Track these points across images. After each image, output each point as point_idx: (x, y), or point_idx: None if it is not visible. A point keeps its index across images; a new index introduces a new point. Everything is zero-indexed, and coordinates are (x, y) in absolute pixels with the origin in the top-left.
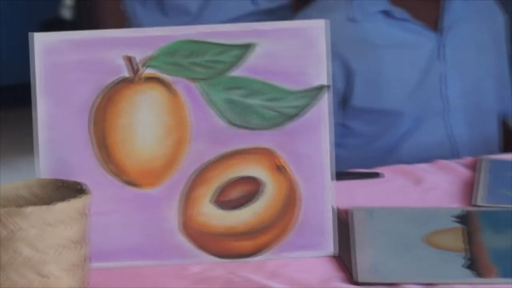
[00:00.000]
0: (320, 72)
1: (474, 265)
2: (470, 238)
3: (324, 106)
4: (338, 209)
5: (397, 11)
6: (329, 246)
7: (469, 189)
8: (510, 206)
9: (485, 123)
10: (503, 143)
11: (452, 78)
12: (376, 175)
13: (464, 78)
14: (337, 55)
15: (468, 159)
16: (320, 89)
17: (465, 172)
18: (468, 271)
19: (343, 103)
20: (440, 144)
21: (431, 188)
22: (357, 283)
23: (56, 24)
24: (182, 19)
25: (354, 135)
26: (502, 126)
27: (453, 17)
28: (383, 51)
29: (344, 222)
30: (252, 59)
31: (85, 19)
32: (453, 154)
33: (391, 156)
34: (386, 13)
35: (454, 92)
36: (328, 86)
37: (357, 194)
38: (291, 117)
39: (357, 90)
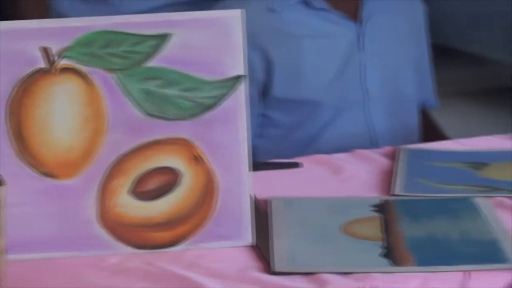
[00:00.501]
0: (236, 62)
1: (391, 254)
2: (387, 227)
3: (241, 96)
4: (257, 199)
5: (317, 1)
6: (247, 236)
7: (387, 179)
8: (427, 195)
9: (405, 113)
10: (422, 132)
11: (371, 68)
12: (295, 165)
13: (383, 68)
14: (256, 45)
15: (387, 149)
16: (236, 79)
17: (384, 162)
18: (384, 260)
19: (263, 93)
20: (360, 134)
21: (350, 177)
22: (274, 273)
23: None
24: (102, 8)
25: (274, 125)
26: (422, 116)
27: (372, 7)
28: (303, 42)
29: (263, 212)
30: (168, 49)
31: (5, 8)
32: (373, 143)
33: (311, 146)
34: (305, 3)
35: (374, 82)
36: (244, 76)
37: (276, 184)
38: (208, 107)
39: (276, 81)
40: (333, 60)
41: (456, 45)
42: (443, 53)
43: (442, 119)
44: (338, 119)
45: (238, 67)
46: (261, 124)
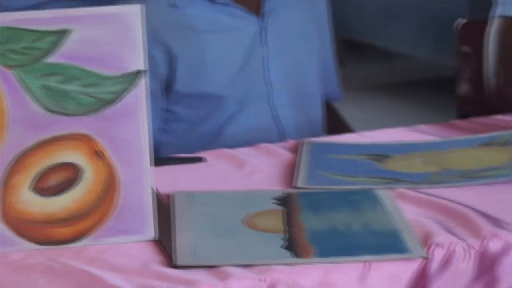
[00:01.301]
0: (136, 57)
1: (292, 246)
2: (289, 219)
3: (141, 91)
4: (160, 194)
5: None
6: (149, 230)
7: (290, 172)
8: (329, 187)
9: (309, 106)
10: (328, 126)
11: (274, 61)
12: (199, 159)
13: (287, 62)
14: (159, 41)
15: (291, 142)
16: (136, 74)
17: (287, 155)
18: (286, 252)
19: (167, 88)
20: (266, 127)
21: (253, 171)
22: (176, 266)
23: None
24: None
25: (178, 120)
26: (327, 109)
27: (275, 2)
28: (206, 36)
29: (165, 207)
30: (67, 45)
31: None
32: (280, 137)
33: (216, 140)
34: None
35: (277, 76)
36: (144, 71)
37: (180, 179)
38: (108, 103)
39: (179, 76)
40: (236, 54)
41: (364, 40)
42: (351, 48)
43: (348, 113)
44: (242, 113)
45: (138, 62)
46: (165, 119)
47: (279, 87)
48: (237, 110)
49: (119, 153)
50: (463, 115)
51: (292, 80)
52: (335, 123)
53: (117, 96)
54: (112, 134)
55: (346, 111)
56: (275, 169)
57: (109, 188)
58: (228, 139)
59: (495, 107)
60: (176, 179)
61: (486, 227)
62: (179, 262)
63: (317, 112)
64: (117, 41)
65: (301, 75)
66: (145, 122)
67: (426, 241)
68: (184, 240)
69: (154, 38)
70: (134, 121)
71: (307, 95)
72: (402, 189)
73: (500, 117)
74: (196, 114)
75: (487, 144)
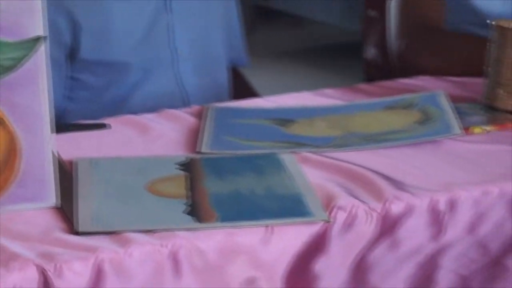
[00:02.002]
0: (36, 24)
1: (195, 211)
2: (192, 184)
3: (41, 57)
4: (62, 161)
5: None
6: (51, 197)
7: (195, 137)
8: (233, 152)
9: (215, 72)
10: (234, 91)
11: (179, 28)
12: (102, 126)
13: (192, 28)
14: (63, 8)
15: (196, 108)
16: (36, 40)
17: (192, 121)
18: (188, 217)
19: (71, 56)
20: (171, 94)
21: (157, 137)
22: (77, 233)
23: None
24: None
25: (83, 87)
26: (233, 75)
27: None
28: (109, 3)
29: (68, 174)
30: None
31: None
32: (185, 103)
33: (122, 107)
34: None
35: (182, 43)
36: (44, 37)
37: (84, 146)
38: (8, 69)
39: (83, 43)
40: (141, 22)
41: (274, 6)
42: (262, 14)
43: (256, 79)
44: (147, 80)
45: (38, 29)
46: (70, 87)
47: (184, 54)
48: (142, 77)
49: (20, 120)
50: (369, 79)
51: (197, 47)
52: (242, 89)
53: (17, 63)
54: (13, 101)
55: (255, 77)
56: (179, 135)
57: (10, 155)
58: (133, 106)
59: (399, 71)
60: (80, 146)
61: (388, 189)
62: (81, 228)
63: (223, 78)
64: (17, 8)
65: (206, 42)
66: (46, 88)
67: (329, 204)
68: (86, 207)
69: (57, 5)
70: (35, 87)
71: (213, 61)
72: (306, 153)
73: (404, 80)
74: (101, 81)
75: (391, 107)
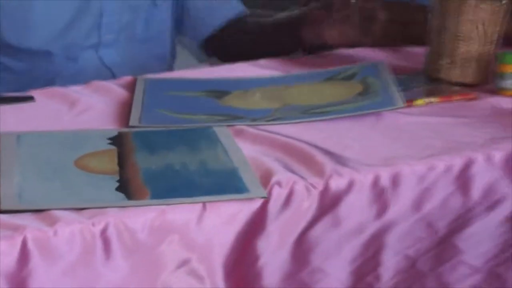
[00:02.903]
0: None
1: (125, 188)
2: (123, 160)
3: None
4: None
5: None
6: None
7: (125, 110)
8: (165, 126)
9: (149, 51)
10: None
11: (108, 13)
12: (28, 98)
13: (122, 12)
14: None
15: (127, 79)
16: None
17: (122, 93)
18: (119, 194)
19: None
20: (97, 71)
21: (86, 110)
22: (0, 211)
23: None
24: None
25: (5, 70)
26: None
27: None
28: None
29: None
30: None
31: None
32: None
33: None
34: None
35: (110, 27)
36: None
37: (7, 120)
38: None
39: (4, 27)
40: (66, 8)
41: None
42: None
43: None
44: (74, 65)
45: None
46: None
47: (111, 37)
48: (68, 64)
49: None
50: (309, 50)
51: (127, 29)
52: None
53: None
54: None
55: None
56: (109, 108)
57: None
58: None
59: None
60: (3, 120)
61: (328, 164)
62: (4, 206)
63: (161, 55)
64: None
65: (135, 24)
66: None
67: (266, 180)
68: (9, 184)
69: None
70: None
71: (146, 41)
72: (242, 126)
73: (344, 51)
74: (24, 66)
75: (330, 78)
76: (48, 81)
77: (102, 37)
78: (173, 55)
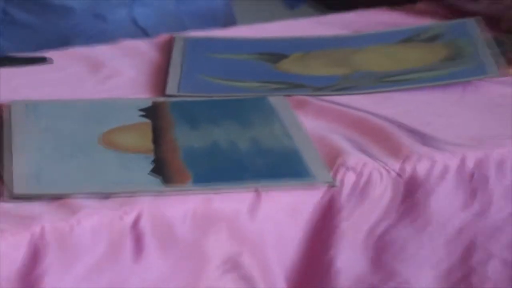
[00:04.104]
0: None
1: (162, 170)
2: (158, 136)
3: None
4: None
5: None
6: None
7: (160, 76)
8: (209, 94)
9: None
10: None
11: None
12: (42, 60)
13: None
14: None
15: (162, 38)
16: None
17: (157, 55)
18: (154, 177)
19: None
20: (128, 34)
21: (113, 75)
22: (12, 197)
23: None
24: None
25: (15, 23)
26: None
27: None
28: None
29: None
30: None
31: None
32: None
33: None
34: None
35: None
36: None
37: (19, 85)
38: None
39: None
40: None
41: None
42: None
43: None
44: (99, 26)
45: None
46: (1, 21)
47: None
48: (93, 23)
49: None
50: None
51: None
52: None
53: None
54: None
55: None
56: (140, 72)
57: None
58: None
59: None
60: (15, 86)
61: (409, 144)
62: (16, 190)
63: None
64: None
65: None
66: None
67: (333, 163)
68: (21, 164)
69: None
70: None
71: None
72: (303, 97)
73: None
74: (36, 21)
75: (409, 39)
76: (66, 43)
77: None
78: (228, 14)
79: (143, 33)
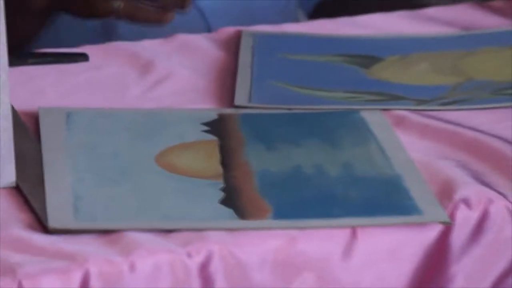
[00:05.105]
0: None
1: (235, 200)
2: (228, 157)
3: None
4: (18, 112)
5: None
6: (6, 173)
7: (225, 81)
8: (287, 107)
9: None
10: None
11: None
12: (80, 57)
13: None
14: None
15: (225, 33)
16: None
17: (220, 54)
18: (226, 209)
19: None
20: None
21: (166, 78)
22: (49, 231)
23: None
24: None
25: None
26: None
27: None
28: None
29: (29, 134)
30: None
31: None
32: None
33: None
34: None
35: None
36: None
37: (51, 89)
38: None
39: None
40: None
41: None
42: None
43: None
44: None
45: None
46: None
47: None
48: None
49: None
50: None
51: None
52: None
53: None
54: None
55: None
56: (199, 75)
57: None
58: (123, 36)
59: None
60: (45, 89)
61: None
62: (52, 223)
63: None
64: None
65: None
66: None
67: (445, 195)
68: (59, 189)
69: None
70: None
71: None
72: (404, 112)
73: None
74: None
75: None
76: (106, 34)
77: None
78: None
79: (205, 25)
